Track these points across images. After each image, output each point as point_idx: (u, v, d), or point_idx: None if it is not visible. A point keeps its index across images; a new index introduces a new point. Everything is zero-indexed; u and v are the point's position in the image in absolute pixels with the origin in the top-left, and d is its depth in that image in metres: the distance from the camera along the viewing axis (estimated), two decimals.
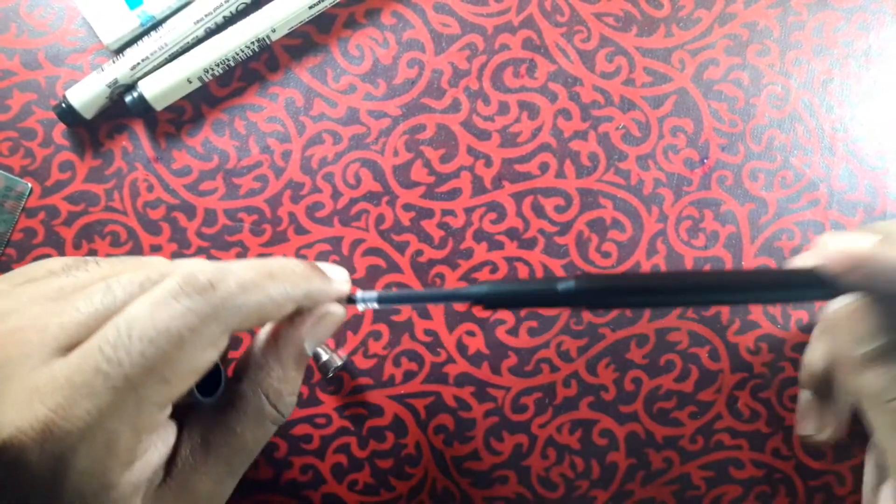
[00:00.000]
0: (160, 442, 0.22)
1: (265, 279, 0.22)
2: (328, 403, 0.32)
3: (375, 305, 0.26)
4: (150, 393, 0.19)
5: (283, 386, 0.24)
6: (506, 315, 0.33)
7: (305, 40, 0.32)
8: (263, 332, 0.25)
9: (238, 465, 0.23)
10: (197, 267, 0.21)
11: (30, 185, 0.32)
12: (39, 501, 0.19)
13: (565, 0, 0.33)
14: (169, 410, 0.21)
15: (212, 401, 0.23)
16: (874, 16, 0.34)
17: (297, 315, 0.24)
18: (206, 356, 0.20)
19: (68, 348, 0.20)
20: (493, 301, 0.24)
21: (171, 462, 0.22)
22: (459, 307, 0.32)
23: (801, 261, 0.26)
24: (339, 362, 0.32)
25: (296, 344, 0.24)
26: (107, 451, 0.19)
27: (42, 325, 0.21)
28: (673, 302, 0.26)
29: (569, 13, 0.33)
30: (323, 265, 0.25)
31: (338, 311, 0.25)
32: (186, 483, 0.22)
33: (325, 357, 0.31)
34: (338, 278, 0.25)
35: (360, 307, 0.26)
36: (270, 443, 0.32)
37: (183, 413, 0.23)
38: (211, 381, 0.23)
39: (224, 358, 0.24)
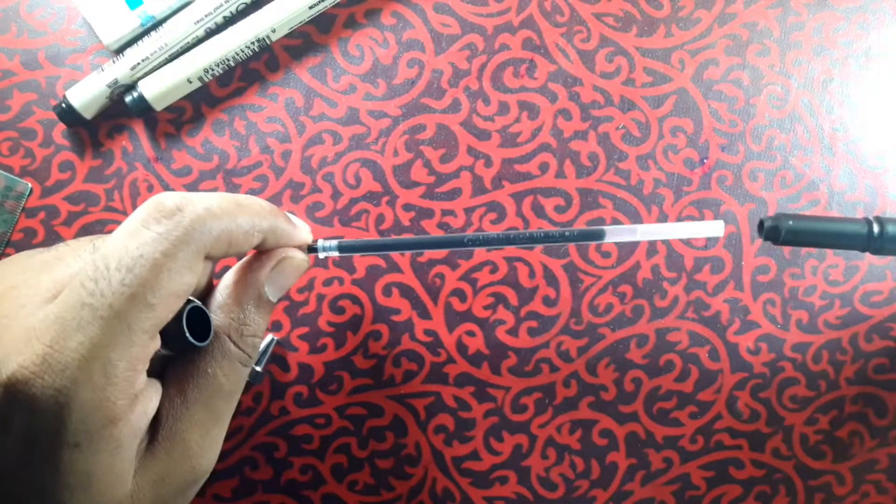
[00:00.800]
0: (154, 392, 0.22)
1: (232, 206, 0.22)
2: (328, 403, 0.32)
3: (336, 254, 0.27)
4: (137, 319, 0.20)
5: (244, 327, 0.24)
6: (505, 315, 0.33)
7: (305, 40, 0.32)
8: (226, 277, 0.25)
9: (219, 409, 0.24)
10: (164, 194, 0.21)
11: (30, 185, 0.32)
12: (48, 436, 0.19)
13: (565, 0, 0.33)
14: (157, 342, 0.21)
15: (205, 345, 0.23)
16: (874, 16, 0.34)
17: (255, 257, 0.25)
18: (184, 279, 0.21)
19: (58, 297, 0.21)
20: (791, 237, 0.25)
21: (155, 421, 0.22)
22: (459, 307, 0.32)
23: None
24: (267, 341, 0.32)
25: (255, 285, 0.25)
26: (106, 381, 0.20)
27: (33, 282, 0.22)
28: None
29: (569, 13, 0.33)
30: (289, 216, 0.26)
31: (298, 255, 0.26)
32: (174, 435, 0.23)
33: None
34: (300, 224, 0.26)
35: (321, 255, 0.27)
36: (270, 443, 0.32)
37: (161, 373, 0.24)
38: (202, 326, 0.23)
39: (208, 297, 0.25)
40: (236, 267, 0.25)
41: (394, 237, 0.32)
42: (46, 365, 0.19)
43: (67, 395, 0.19)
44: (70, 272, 0.22)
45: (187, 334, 0.22)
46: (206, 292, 0.25)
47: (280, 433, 0.32)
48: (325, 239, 0.27)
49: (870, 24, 0.33)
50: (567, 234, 0.26)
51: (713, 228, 0.26)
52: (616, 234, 0.26)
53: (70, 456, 0.20)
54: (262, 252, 0.25)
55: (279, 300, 0.26)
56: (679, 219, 0.33)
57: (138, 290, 0.20)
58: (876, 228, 0.25)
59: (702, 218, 0.33)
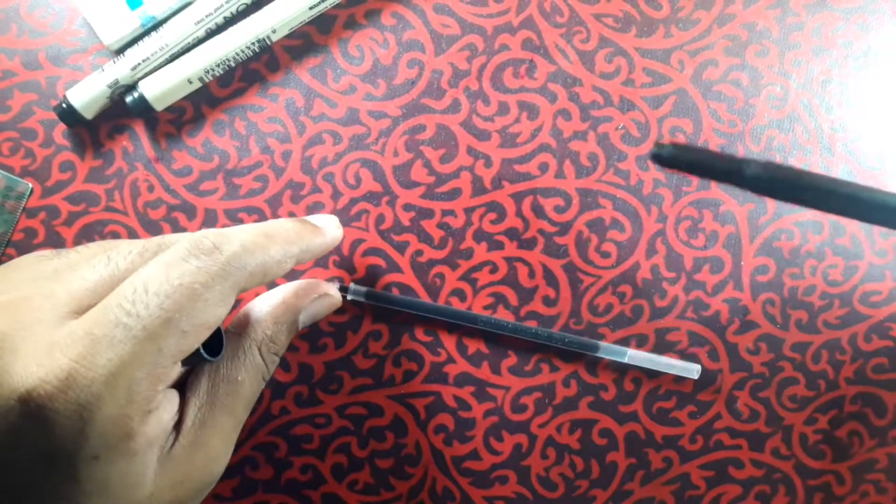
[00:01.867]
0: (168, 403, 0.23)
1: (264, 240, 0.24)
2: (328, 403, 0.32)
3: (362, 299, 0.30)
4: (167, 344, 0.21)
5: (272, 344, 0.26)
6: (506, 315, 0.33)
7: (306, 41, 0.32)
8: (267, 295, 0.27)
9: (240, 416, 0.25)
10: (201, 233, 0.23)
11: (30, 185, 0.32)
12: (68, 450, 0.20)
13: (565, 1, 0.33)
14: (180, 367, 0.22)
15: (217, 360, 0.25)
16: (873, 16, 0.34)
17: (301, 287, 0.28)
18: (217, 312, 0.22)
19: (79, 312, 0.21)
20: (672, 160, 0.25)
21: (179, 425, 0.23)
22: (459, 307, 0.32)
23: None
24: None
25: (294, 311, 0.27)
26: (128, 399, 0.20)
27: (49, 292, 0.22)
28: (841, 211, 0.26)
29: (568, 14, 0.33)
30: (313, 217, 0.28)
31: (336, 296, 0.29)
32: (197, 440, 0.23)
33: None
34: (328, 226, 0.28)
35: (349, 297, 0.30)
36: (270, 443, 0.32)
37: (181, 383, 0.24)
38: (213, 343, 0.25)
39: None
40: (281, 290, 0.28)
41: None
42: (72, 380, 0.19)
43: (91, 410, 0.19)
44: (86, 286, 0.22)
45: (202, 351, 0.23)
46: None
47: (280, 433, 0.32)
48: (355, 283, 0.31)
49: (869, 24, 0.34)
50: (568, 339, 0.32)
51: (690, 370, 0.32)
52: (607, 352, 0.32)
53: (88, 467, 0.20)
54: (306, 282, 0.28)
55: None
56: (678, 219, 0.33)
57: (174, 315, 0.21)
58: (745, 169, 0.25)
59: (701, 219, 0.33)
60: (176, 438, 0.23)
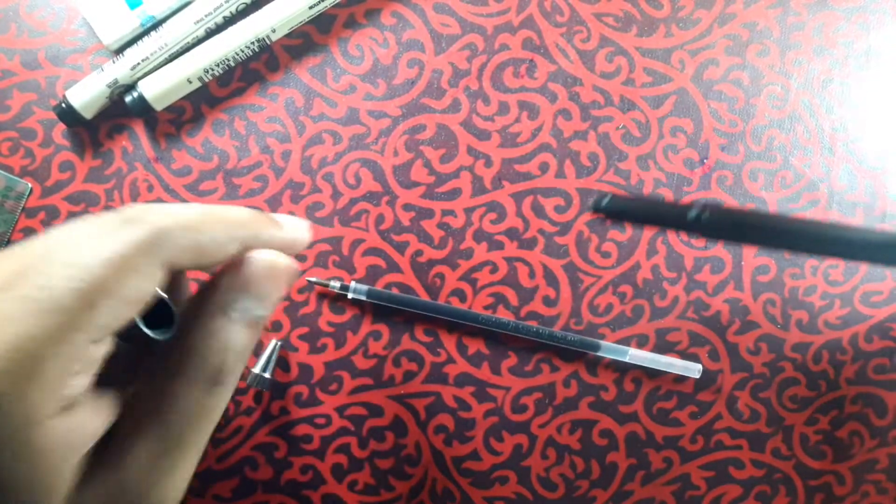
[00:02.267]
0: (99, 409, 0.21)
1: (205, 217, 0.21)
2: (328, 403, 0.32)
3: (363, 297, 0.28)
4: (79, 320, 0.19)
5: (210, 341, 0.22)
6: (506, 315, 0.32)
7: (305, 40, 0.32)
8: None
9: (180, 436, 0.21)
10: (129, 205, 0.21)
11: (30, 185, 0.32)
12: None
13: (565, 0, 0.33)
14: (102, 348, 0.20)
15: (167, 338, 0.22)
16: (874, 16, 0.34)
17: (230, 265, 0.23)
18: (140, 285, 0.20)
19: None
20: (614, 211, 0.25)
21: (105, 440, 0.21)
22: (460, 307, 0.32)
23: None
24: (272, 346, 0.32)
25: (219, 293, 0.22)
26: (31, 378, 0.18)
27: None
28: (793, 248, 0.26)
29: (569, 13, 0.33)
30: (280, 216, 0.24)
31: (264, 258, 0.23)
32: (117, 459, 0.21)
33: (257, 372, 0.31)
34: (291, 224, 0.24)
35: (350, 295, 0.28)
36: (270, 443, 0.32)
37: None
38: (162, 318, 0.22)
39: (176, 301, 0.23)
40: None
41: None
42: None
43: None
44: (22, 261, 0.20)
45: (141, 325, 0.21)
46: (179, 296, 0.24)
47: (280, 433, 0.32)
48: (357, 282, 0.28)
49: (870, 24, 0.33)
50: (569, 338, 0.32)
51: (691, 370, 0.32)
52: (608, 351, 0.32)
53: None
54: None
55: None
56: None
57: (87, 288, 0.19)
58: (689, 214, 0.24)
59: None
60: (101, 453, 0.20)
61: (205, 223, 0.21)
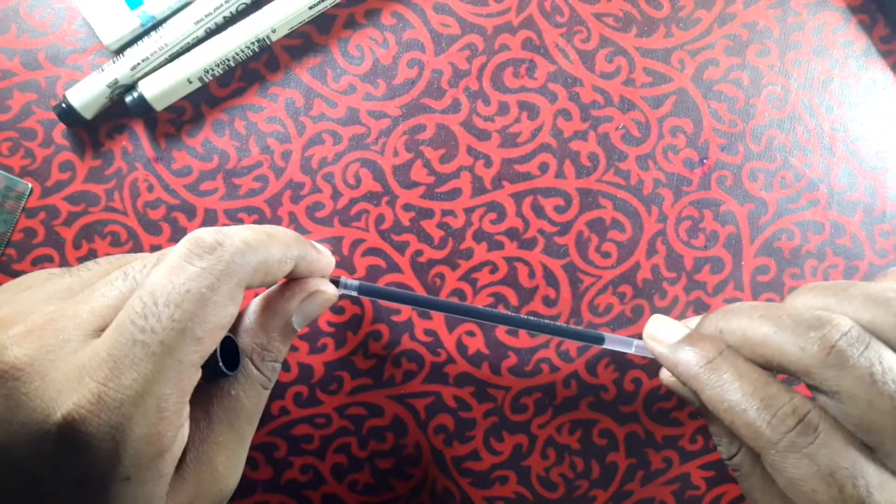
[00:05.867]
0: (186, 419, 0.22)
1: (265, 237, 0.23)
2: (328, 403, 0.32)
3: (355, 293, 0.29)
4: (186, 353, 0.20)
5: (266, 352, 0.25)
6: None
7: (305, 40, 0.32)
8: (254, 303, 0.26)
9: (243, 430, 0.24)
10: (200, 231, 0.22)
11: (30, 185, 0.32)
12: (101, 472, 0.20)
13: (565, 0, 0.33)
14: (200, 372, 0.22)
15: (236, 373, 0.24)
16: (874, 16, 0.34)
17: (287, 286, 0.26)
18: (227, 311, 0.21)
19: (102, 329, 0.21)
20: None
21: (191, 447, 0.23)
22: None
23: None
24: None
25: (283, 315, 0.26)
26: (159, 416, 0.20)
27: (71, 313, 0.22)
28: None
29: (568, 13, 0.33)
30: (313, 242, 0.27)
31: (329, 289, 0.27)
32: (201, 458, 0.23)
33: None
34: (323, 249, 0.27)
35: (341, 291, 0.29)
36: (270, 443, 0.32)
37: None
38: (231, 354, 0.24)
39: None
40: (264, 294, 0.26)
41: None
42: (102, 403, 0.19)
43: (123, 431, 0.19)
44: (108, 303, 0.22)
45: (221, 365, 0.23)
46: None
47: (280, 433, 0.32)
48: (347, 279, 0.29)
49: (870, 24, 0.34)
50: (571, 331, 0.31)
51: None
52: (613, 343, 0.31)
53: (119, 488, 0.20)
54: (293, 281, 0.27)
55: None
56: (678, 219, 0.33)
57: (187, 324, 0.20)
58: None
59: (701, 219, 0.33)
60: (182, 457, 0.22)
61: (267, 244, 0.23)
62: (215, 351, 0.23)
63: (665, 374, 0.30)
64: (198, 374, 0.21)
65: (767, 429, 0.22)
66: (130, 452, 0.20)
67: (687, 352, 0.26)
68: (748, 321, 0.24)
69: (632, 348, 0.31)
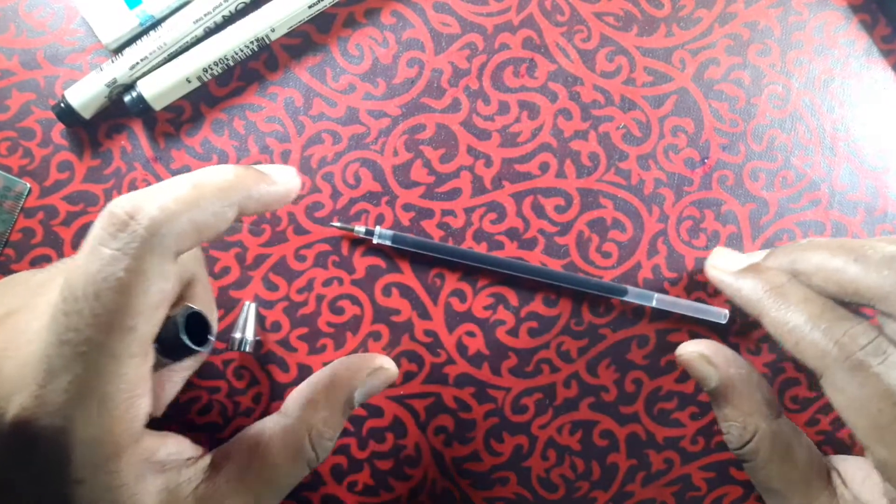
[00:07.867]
0: (173, 442, 0.22)
1: (191, 192, 0.20)
2: None
3: (389, 243, 0.31)
4: (119, 346, 0.19)
5: (326, 429, 0.24)
6: (506, 315, 0.32)
7: (305, 40, 0.32)
8: (318, 375, 0.26)
9: (265, 500, 0.23)
10: (114, 202, 0.20)
11: (28, 184, 0.32)
12: (55, 473, 0.19)
13: (565, 0, 0.33)
14: (151, 357, 0.20)
15: (207, 348, 0.23)
16: (875, 16, 0.33)
17: (352, 362, 0.26)
18: (157, 288, 0.19)
19: None
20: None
21: (202, 486, 0.22)
22: (459, 307, 0.32)
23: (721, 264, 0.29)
24: (250, 339, 0.31)
25: (348, 391, 0.25)
26: (106, 415, 0.19)
27: (33, 304, 0.21)
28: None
29: (569, 13, 0.33)
30: (266, 167, 0.23)
31: (392, 368, 0.27)
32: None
33: (238, 336, 0.31)
34: (279, 174, 0.23)
35: (376, 240, 0.31)
36: None
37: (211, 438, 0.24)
38: (199, 330, 0.23)
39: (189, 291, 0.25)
40: (332, 367, 0.26)
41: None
42: (43, 406, 0.19)
43: (67, 434, 0.19)
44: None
45: (186, 341, 0.22)
46: (189, 282, 0.25)
47: None
48: (382, 229, 0.31)
49: (871, 23, 0.33)
50: (594, 284, 0.32)
51: (718, 315, 0.32)
52: (635, 296, 0.32)
53: (76, 491, 0.19)
54: (357, 356, 0.27)
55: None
56: (679, 219, 0.33)
57: (113, 317, 0.19)
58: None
59: (702, 218, 0.33)
60: (202, 481, 0.22)
61: (193, 199, 0.20)
62: (176, 328, 0.21)
63: (682, 350, 0.28)
64: (146, 362, 0.20)
65: (835, 347, 0.23)
66: (79, 454, 0.19)
67: (751, 278, 0.26)
68: (827, 250, 0.25)
69: (653, 301, 0.31)
